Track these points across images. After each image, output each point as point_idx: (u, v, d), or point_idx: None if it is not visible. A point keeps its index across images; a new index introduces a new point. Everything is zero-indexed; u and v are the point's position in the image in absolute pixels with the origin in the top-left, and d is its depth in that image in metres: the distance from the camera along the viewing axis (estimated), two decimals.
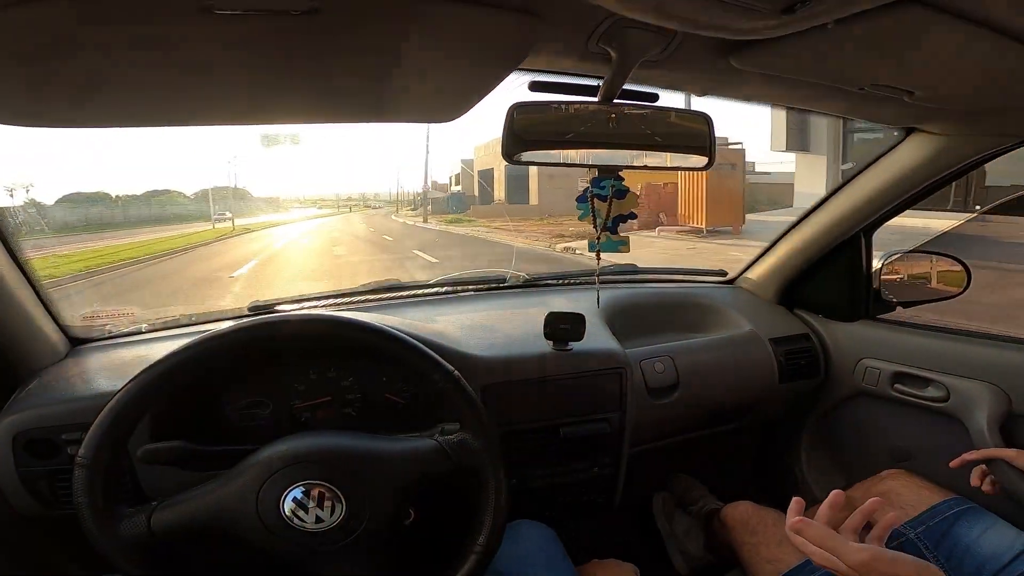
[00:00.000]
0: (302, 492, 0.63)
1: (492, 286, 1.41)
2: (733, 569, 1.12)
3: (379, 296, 1.30)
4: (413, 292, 1.34)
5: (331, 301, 1.26)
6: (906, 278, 1.32)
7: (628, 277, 1.53)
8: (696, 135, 0.77)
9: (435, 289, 1.37)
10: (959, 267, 1.27)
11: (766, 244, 1.48)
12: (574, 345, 1.05)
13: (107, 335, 1.09)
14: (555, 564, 0.88)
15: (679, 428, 1.30)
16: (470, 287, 1.40)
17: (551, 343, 1.05)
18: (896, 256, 1.31)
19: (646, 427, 1.16)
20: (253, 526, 0.63)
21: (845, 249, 1.31)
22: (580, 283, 1.48)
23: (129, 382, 0.67)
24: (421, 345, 0.74)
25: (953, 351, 1.16)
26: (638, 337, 1.25)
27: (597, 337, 1.12)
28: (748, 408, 1.37)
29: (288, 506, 0.63)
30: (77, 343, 1.05)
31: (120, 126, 0.75)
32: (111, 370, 0.95)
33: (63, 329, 1.02)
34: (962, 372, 1.12)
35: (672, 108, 0.76)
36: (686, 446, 1.36)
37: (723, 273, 1.60)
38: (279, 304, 1.20)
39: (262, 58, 0.59)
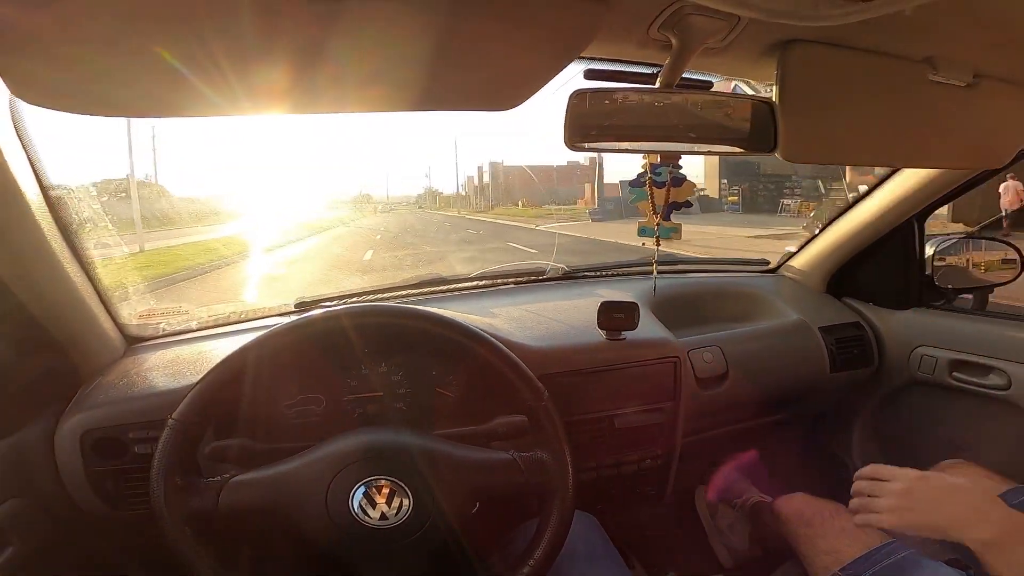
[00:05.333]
0: (372, 487, 0.63)
1: (533, 278, 1.41)
2: (784, 563, 1.10)
3: (421, 291, 1.30)
4: (455, 286, 1.34)
5: (375, 296, 1.26)
6: (958, 264, 1.28)
7: (667, 268, 1.51)
8: (762, 122, 0.74)
9: (475, 283, 1.37)
10: (1012, 252, 1.24)
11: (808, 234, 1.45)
12: (627, 335, 1.04)
13: (161, 333, 1.11)
14: (596, 553, 0.84)
15: (727, 419, 1.29)
16: (510, 280, 1.39)
17: (604, 333, 1.04)
18: (949, 242, 1.28)
19: (694, 418, 1.14)
20: (318, 515, 0.62)
21: (897, 236, 1.29)
22: (618, 275, 1.47)
23: (224, 359, 0.69)
24: (513, 355, 0.72)
25: (1014, 337, 1.12)
26: (682, 327, 1.23)
27: (649, 326, 1.11)
28: (797, 398, 1.34)
29: (357, 500, 0.62)
30: (132, 341, 1.06)
31: (152, 116, 0.73)
32: (170, 367, 0.96)
33: (120, 328, 1.03)
34: None
35: (736, 95, 0.74)
36: (730, 438, 1.34)
37: (765, 262, 1.58)
38: (324, 300, 1.21)
39: (317, 46, 0.57)
